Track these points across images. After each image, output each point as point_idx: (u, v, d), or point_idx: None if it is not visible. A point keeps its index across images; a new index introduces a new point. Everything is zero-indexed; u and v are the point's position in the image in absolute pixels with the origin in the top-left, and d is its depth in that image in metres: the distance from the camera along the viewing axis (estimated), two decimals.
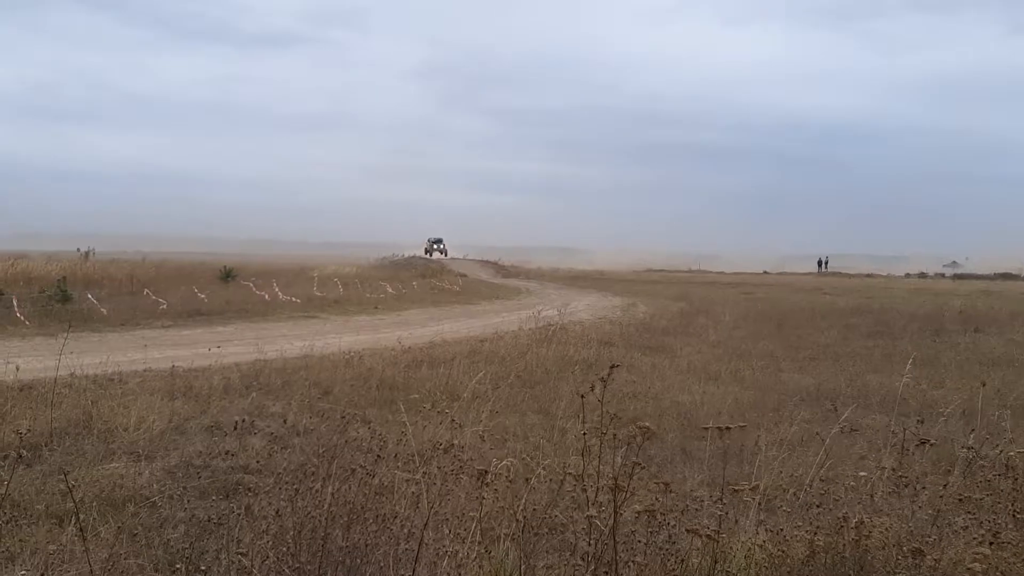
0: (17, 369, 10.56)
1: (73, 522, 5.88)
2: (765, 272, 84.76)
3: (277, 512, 3.85)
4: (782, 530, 3.87)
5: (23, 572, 4.75)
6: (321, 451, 4.58)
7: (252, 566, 3.53)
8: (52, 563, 5.19)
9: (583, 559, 3.66)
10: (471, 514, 4.54)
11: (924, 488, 4.23)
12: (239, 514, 4.32)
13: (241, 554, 3.53)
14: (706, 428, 4.10)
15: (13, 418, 8.69)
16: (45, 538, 5.88)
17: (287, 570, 3.65)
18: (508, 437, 9.24)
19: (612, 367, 4.08)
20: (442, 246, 78.49)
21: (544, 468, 5.94)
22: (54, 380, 9.82)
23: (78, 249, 41.90)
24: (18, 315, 19.98)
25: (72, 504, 6.19)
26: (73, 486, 6.61)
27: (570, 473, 3.86)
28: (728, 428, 3.58)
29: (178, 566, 3.93)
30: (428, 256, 73.52)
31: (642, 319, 26.89)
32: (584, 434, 4.05)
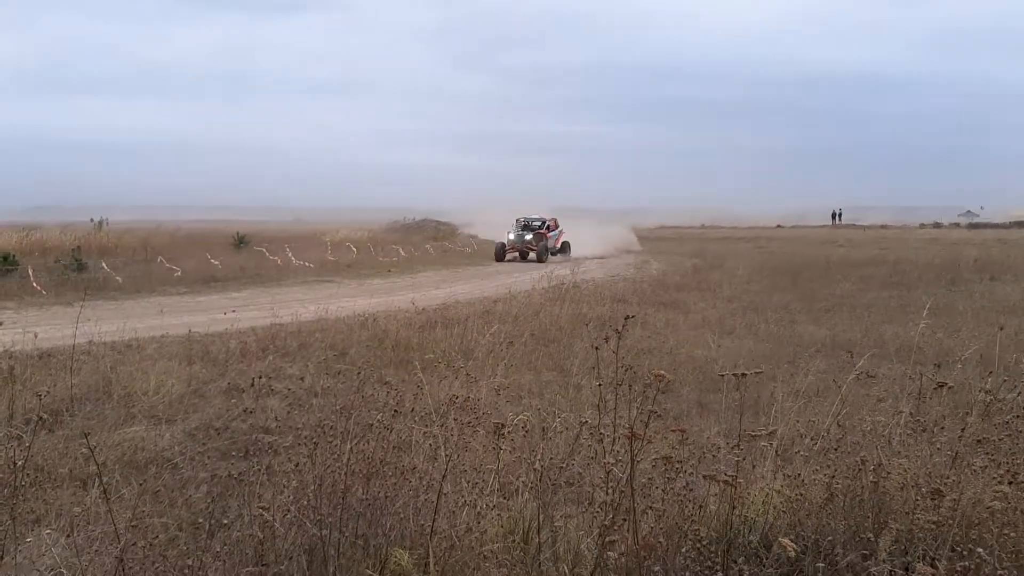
0: (36, 337, 10.64)
1: (96, 484, 5.98)
2: (779, 226, 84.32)
3: (296, 466, 3.89)
4: (799, 475, 3.88)
5: (48, 532, 4.82)
6: (339, 408, 4.61)
7: (274, 520, 3.58)
8: (77, 524, 5.27)
9: (601, 508, 3.69)
10: (488, 466, 4.58)
11: (943, 429, 4.22)
12: (261, 471, 4.36)
13: (263, 508, 3.57)
14: (722, 376, 4.10)
15: (34, 385, 8.76)
16: (70, 500, 5.98)
17: (308, 523, 3.69)
18: (523, 394, 9.26)
19: (627, 318, 4.09)
20: (556, 242, 39.35)
21: (560, 421, 5.97)
22: (72, 347, 9.91)
23: (92, 219, 42.03)
24: (34, 285, 20.11)
25: (95, 467, 6.29)
26: (95, 448, 6.70)
27: (586, 422, 3.88)
28: (744, 375, 3.57)
29: (201, 521, 3.98)
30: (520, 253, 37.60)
31: (655, 276, 26.83)
32: (599, 385, 4.07)
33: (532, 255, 37.03)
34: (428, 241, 45.92)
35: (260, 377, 9.00)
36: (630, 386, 3.90)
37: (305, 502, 3.71)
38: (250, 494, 3.93)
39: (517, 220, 39.48)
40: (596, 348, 4.13)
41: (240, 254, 33.10)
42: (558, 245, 39.14)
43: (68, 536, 5.02)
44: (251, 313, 16.27)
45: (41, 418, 5.92)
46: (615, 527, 3.42)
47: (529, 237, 37.52)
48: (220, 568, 3.72)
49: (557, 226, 39.75)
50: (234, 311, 15.61)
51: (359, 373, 6.63)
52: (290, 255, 31.04)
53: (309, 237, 45.46)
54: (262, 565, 3.51)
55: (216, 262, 27.67)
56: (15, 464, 4.50)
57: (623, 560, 3.32)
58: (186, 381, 9.52)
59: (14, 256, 22.96)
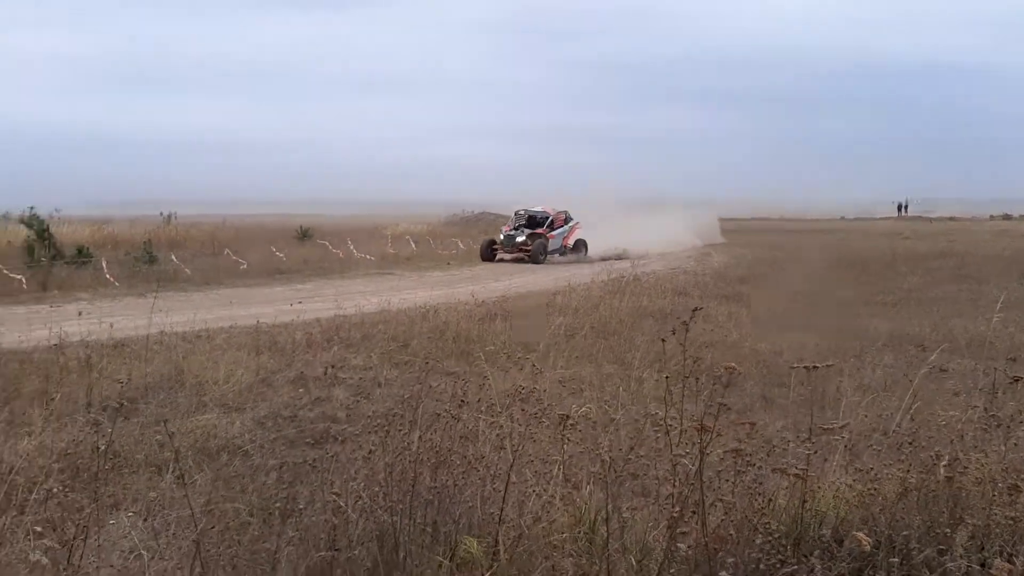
0: (111, 327, 10.98)
1: (171, 470, 6.17)
2: (843, 218, 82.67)
3: (370, 453, 3.98)
4: (872, 469, 3.83)
5: (128, 515, 5.00)
6: (406, 398, 4.70)
7: (347, 506, 3.67)
8: (153, 509, 5.45)
9: (667, 500, 3.69)
10: (554, 457, 4.62)
11: (1020, 424, 4.13)
12: (331, 458, 4.46)
13: (336, 495, 3.66)
14: (792, 368, 4.08)
15: (110, 373, 9.06)
16: (145, 485, 6.16)
17: (379, 510, 3.77)
18: (584, 387, 9.28)
19: (694, 310, 4.09)
20: (565, 239, 32.81)
21: (624, 413, 5.99)
22: (146, 337, 10.21)
23: (160, 213, 43.19)
24: (108, 276, 20.77)
25: (169, 453, 6.50)
26: (172, 434, 6.90)
27: (656, 414, 3.89)
28: (815, 367, 3.55)
29: (277, 505, 4.10)
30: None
31: (717, 268, 26.58)
32: (666, 377, 4.08)
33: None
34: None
35: (331, 367, 9.19)
36: (697, 379, 3.90)
37: (376, 489, 3.79)
38: (322, 481, 4.02)
39: (516, 213, 32.30)
40: (663, 340, 4.14)
41: (303, 247, 33.72)
42: (568, 244, 32.28)
43: (145, 520, 5.21)
44: (315, 305, 16.56)
45: (122, 404, 6.13)
46: (683, 519, 3.43)
47: (522, 238, 30.71)
48: (293, 552, 3.81)
49: (566, 221, 32.46)
50: (300, 303, 15.93)
51: (427, 363, 6.73)
52: (352, 248, 31.50)
53: (370, 230, 45.97)
54: (334, 550, 3.59)
55: (281, 255, 28.23)
56: (98, 449, 4.68)
57: (692, 553, 3.34)
58: (255, 371, 9.74)
59: (88, 249, 23.70)
